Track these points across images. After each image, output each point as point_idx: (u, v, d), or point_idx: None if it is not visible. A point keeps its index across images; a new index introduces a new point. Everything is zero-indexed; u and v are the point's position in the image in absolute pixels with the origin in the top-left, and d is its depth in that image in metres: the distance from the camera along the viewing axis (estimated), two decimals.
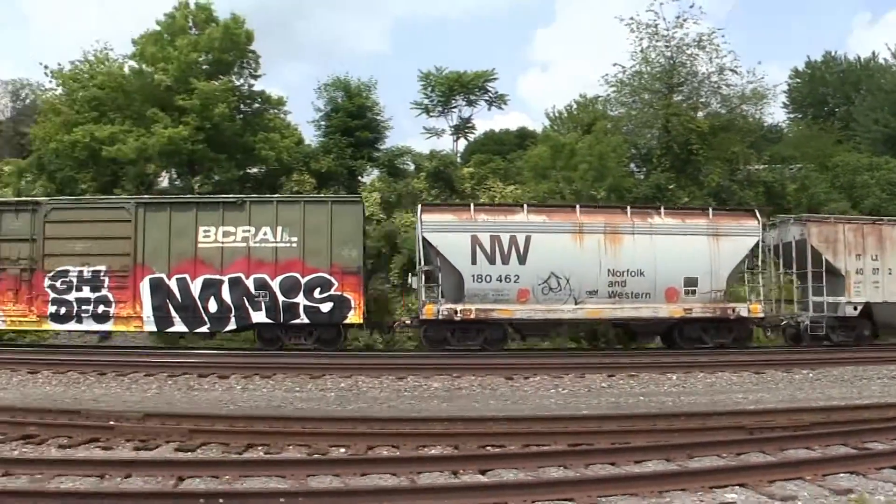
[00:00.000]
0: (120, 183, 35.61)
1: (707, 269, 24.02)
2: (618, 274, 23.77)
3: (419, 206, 25.27)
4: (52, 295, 24.05)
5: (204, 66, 37.37)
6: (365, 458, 9.61)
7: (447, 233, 23.62)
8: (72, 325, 24.46)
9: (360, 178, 41.70)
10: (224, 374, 17.96)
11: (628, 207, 25.20)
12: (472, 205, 24.72)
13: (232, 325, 23.96)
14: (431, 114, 52.72)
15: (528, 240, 23.55)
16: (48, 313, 24.08)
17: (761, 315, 24.56)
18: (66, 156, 35.92)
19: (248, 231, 23.90)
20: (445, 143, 56.59)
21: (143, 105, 36.10)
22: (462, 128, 53.44)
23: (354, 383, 17.33)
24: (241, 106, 38.95)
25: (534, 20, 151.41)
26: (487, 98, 52.50)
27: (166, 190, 37.01)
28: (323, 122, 43.99)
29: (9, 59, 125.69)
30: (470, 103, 52.80)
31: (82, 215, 24.59)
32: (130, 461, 9.31)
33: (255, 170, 39.62)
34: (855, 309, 24.85)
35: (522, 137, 51.19)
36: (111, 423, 11.56)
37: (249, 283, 23.72)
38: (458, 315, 23.17)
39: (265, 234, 23.89)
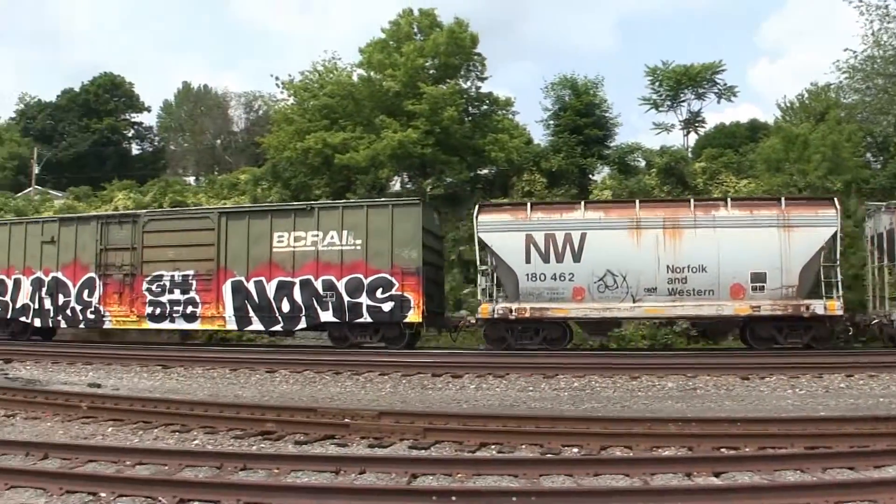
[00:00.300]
0: (352, 187, 36.60)
1: (776, 264, 22.31)
2: (678, 270, 22.76)
3: (476, 206, 24.94)
4: (149, 297, 26.72)
5: (431, 71, 38.11)
6: (598, 459, 9.45)
7: (501, 232, 23.70)
8: (165, 325, 26.84)
9: (590, 175, 41.41)
10: (457, 374, 18.09)
11: (691, 200, 23.91)
12: (528, 203, 24.58)
13: (302, 325, 25.37)
14: (660, 109, 51.96)
15: (583, 237, 23.18)
16: (146, 314, 26.73)
17: (839, 312, 22.10)
18: (300, 163, 37.62)
19: (317, 235, 25.29)
20: (675, 138, 55.70)
21: (373, 111, 37.15)
22: (692, 122, 52.42)
23: (587, 383, 17.12)
24: (470, 108, 39.45)
25: (762, 9, 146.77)
26: (716, 90, 51.30)
27: (399, 193, 37.88)
28: (551, 122, 43.94)
29: (241, 72, 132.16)
30: (699, 97, 51.74)
31: (173, 225, 27.29)
32: (365, 458, 9.50)
33: (485, 171, 40.05)
34: None
35: (754, 129, 49.70)
36: (346, 420, 11.89)
37: (318, 284, 25.03)
38: (514, 314, 23.23)
39: (332, 237, 25.15)
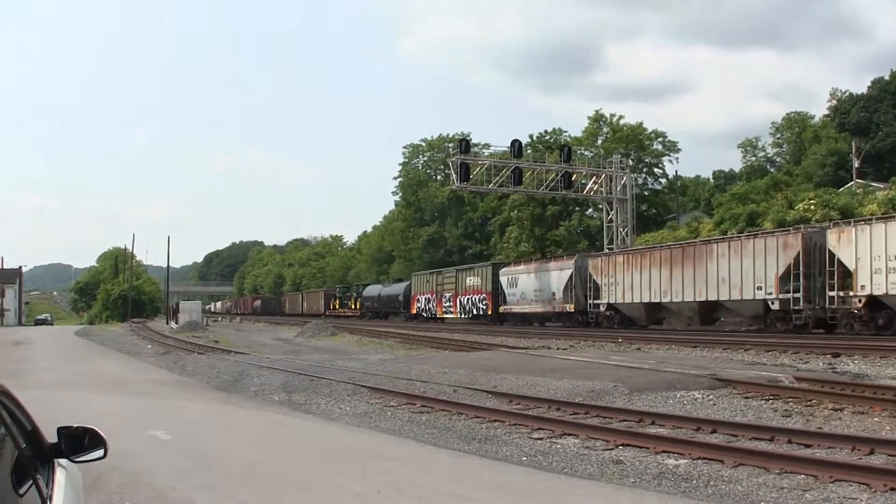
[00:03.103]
0: None
1: (557, 288, 47.20)
2: (536, 291, 49.70)
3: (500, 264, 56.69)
4: (459, 305, 61.01)
5: None
6: None
7: (504, 276, 53.70)
8: (453, 315, 61.80)
9: None
10: None
11: (552, 260, 51.83)
12: (511, 263, 55.54)
13: (471, 315, 58.81)
14: None
15: (517, 278, 52.16)
16: (445, 310, 62.85)
17: (572, 310, 45.71)
18: None
19: (474, 278, 59.06)
20: None
21: None
22: None
23: None
24: None
25: None
26: None
27: None
28: None
29: None
30: None
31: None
32: None
33: None
34: (604, 308, 43.22)
35: None
36: None
37: (472, 297, 58.57)
38: (504, 310, 53.57)
39: (476, 279, 58.74)
